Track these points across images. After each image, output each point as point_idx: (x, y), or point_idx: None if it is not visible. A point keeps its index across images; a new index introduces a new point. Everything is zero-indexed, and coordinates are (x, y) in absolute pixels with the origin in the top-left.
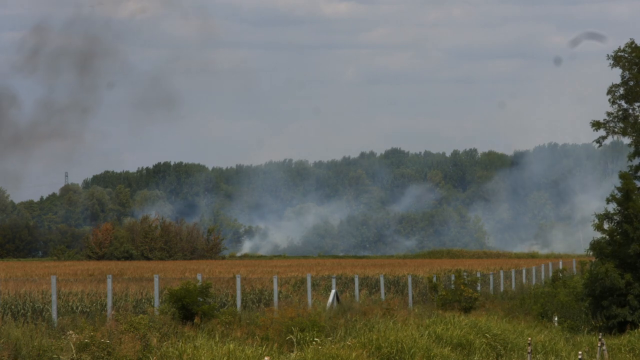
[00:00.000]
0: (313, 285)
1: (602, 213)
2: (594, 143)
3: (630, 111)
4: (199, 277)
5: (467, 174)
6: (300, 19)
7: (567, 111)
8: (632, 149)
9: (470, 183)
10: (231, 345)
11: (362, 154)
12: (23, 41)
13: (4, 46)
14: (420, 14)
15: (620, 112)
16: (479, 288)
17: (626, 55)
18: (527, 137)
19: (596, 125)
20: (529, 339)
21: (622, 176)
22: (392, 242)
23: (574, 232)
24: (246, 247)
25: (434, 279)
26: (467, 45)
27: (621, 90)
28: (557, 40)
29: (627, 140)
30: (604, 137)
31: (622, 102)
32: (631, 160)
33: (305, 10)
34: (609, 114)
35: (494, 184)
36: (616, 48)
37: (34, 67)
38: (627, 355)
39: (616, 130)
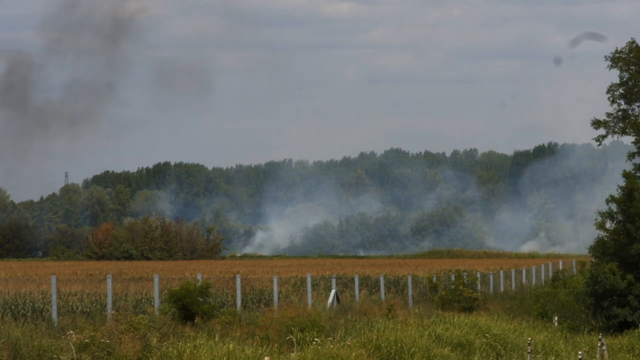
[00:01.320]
0: (313, 285)
1: (605, 211)
2: (594, 142)
3: (630, 111)
4: (199, 277)
5: (467, 174)
6: (300, 19)
7: (568, 111)
8: (633, 148)
9: (471, 183)
10: (231, 345)
11: (362, 154)
12: (30, 36)
13: (14, 40)
14: (420, 14)
15: (620, 113)
16: (479, 288)
17: (624, 56)
18: (527, 137)
19: (596, 124)
20: (529, 339)
21: (626, 175)
22: (392, 242)
23: (574, 232)
24: (249, 247)
25: (434, 279)
26: (467, 45)
27: (620, 90)
28: (557, 40)
29: (628, 139)
30: (603, 136)
31: (622, 102)
32: (631, 160)
33: (305, 10)
34: (608, 114)
35: (494, 184)
36: (616, 48)
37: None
38: (627, 355)
39: (616, 129)
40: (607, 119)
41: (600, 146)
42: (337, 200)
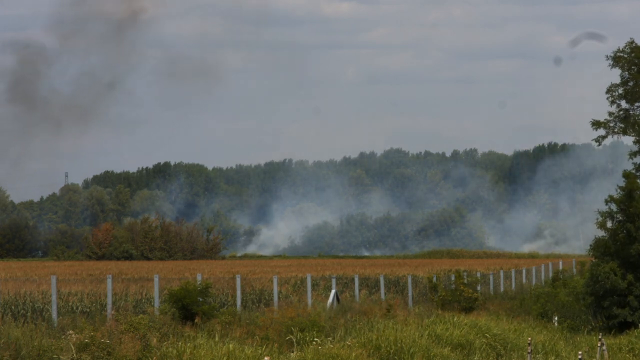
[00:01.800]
0: (313, 285)
1: (605, 211)
2: (594, 142)
3: (631, 112)
4: (198, 277)
5: (467, 174)
6: (300, 19)
7: (568, 111)
8: (635, 147)
9: (471, 183)
10: (231, 345)
11: (362, 154)
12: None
13: (13, 40)
14: (420, 14)
15: (622, 112)
16: (479, 288)
17: (625, 55)
18: (527, 137)
19: (596, 124)
20: (529, 339)
21: (626, 175)
22: (392, 242)
23: (576, 232)
24: (249, 247)
25: (434, 279)
26: (468, 45)
27: (620, 90)
28: (557, 40)
29: (628, 139)
30: (603, 137)
31: (622, 103)
32: (632, 159)
33: (305, 10)
34: (610, 114)
35: (494, 184)
36: (616, 48)
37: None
38: (627, 355)
39: (616, 130)
40: (609, 119)
41: (600, 146)
42: (337, 200)
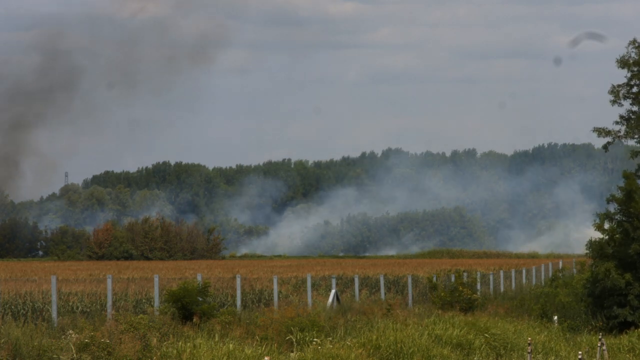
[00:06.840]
0: (313, 285)
1: (603, 212)
2: (602, 149)
3: (638, 113)
4: (198, 277)
5: (467, 173)
6: (304, 19)
7: (568, 111)
8: (638, 147)
9: (470, 183)
10: (231, 345)
11: (362, 154)
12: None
13: (13, 40)
14: (423, 14)
15: (630, 113)
16: (478, 288)
17: (632, 58)
18: (527, 137)
19: (601, 132)
20: (529, 339)
21: (625, 176)
22: (392, 242)
23: (575, 232)
24: (249, 247)
25: (434, 279)
26: (471, 45)
27: (623, 91)
28: (561, 40)
29: (630, 142)
30: (610, 142)
31: (624, 103)
32: (633, 159)
33: (309, 10)
34: (621, 117)
35: (494, 184)
36: (619, 48)
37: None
38: (627, 355)
39: (621, 135)
40: (617, 120)
41: (608, 152)
42: (337, 200)
